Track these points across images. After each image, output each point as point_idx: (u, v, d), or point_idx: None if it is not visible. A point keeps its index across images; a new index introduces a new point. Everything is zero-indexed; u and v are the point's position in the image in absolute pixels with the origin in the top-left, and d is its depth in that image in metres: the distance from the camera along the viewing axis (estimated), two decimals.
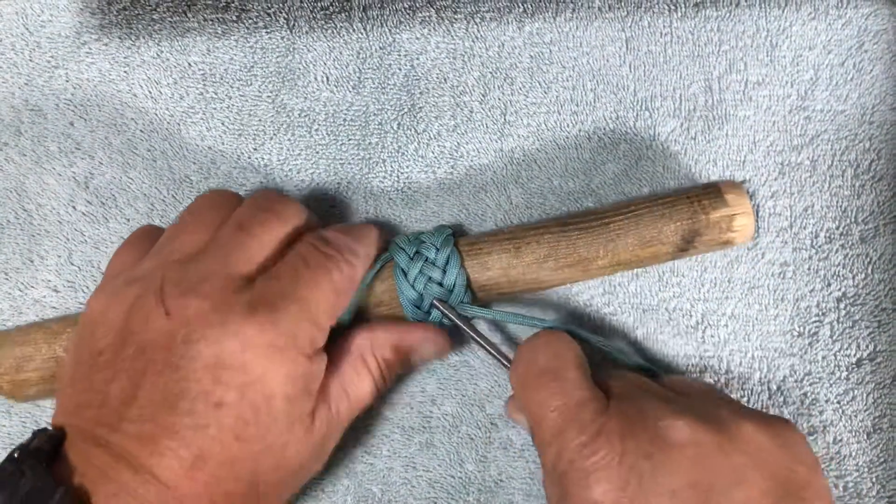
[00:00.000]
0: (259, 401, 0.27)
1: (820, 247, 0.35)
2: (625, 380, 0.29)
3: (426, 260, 0.32)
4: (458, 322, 0.32)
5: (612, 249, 0.32)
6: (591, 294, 0.35)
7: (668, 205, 0.33)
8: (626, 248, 0.32)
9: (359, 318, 0.32)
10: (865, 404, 0.34)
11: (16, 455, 0.25)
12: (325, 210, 0.36)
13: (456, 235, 0.33)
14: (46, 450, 0.25)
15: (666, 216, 0.32)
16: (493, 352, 0.32)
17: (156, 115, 0.37)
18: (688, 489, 0.24)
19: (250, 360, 0.27)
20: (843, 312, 0.35)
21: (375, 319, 0.33)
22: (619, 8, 0.36)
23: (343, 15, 0.36)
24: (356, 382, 0.31)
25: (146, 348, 0.27)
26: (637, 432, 0.26)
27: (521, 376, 0.29)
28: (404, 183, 0.36)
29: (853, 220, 0.35)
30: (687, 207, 0.32)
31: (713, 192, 0.33)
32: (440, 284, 0.32)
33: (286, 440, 0.28)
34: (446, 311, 0.32)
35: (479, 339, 0.32)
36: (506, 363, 0.31)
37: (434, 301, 0.32)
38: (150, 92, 0.37)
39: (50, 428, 0.27)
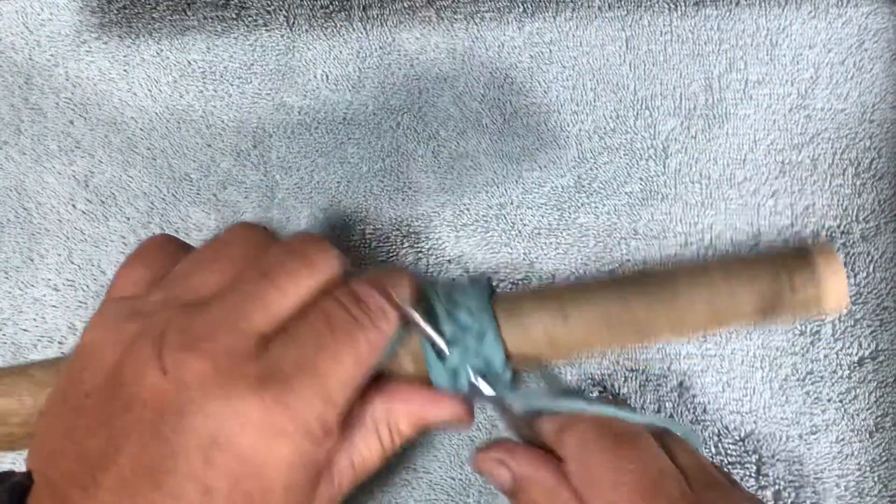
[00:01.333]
0: (254, 492, 0.23)
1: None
2: (696, 460, 0.28)
3: (458, 326, 0.27)
4: (496, 405, 0.28)
5: (677, 315, 0.28)
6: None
7: (745, 268, 0.28)
8: (694, 312, 0.28)
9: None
10: (867, 403, 0.34)
11: None
12: (325, 210, 0.36)
13: (493, 292, 0.29)
14: (14, 496, 0.23)
15: (743, 281, 0.28)
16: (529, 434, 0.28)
17: (155, 113, 0.36)
18: None
19: (252, 445, 0.23)
20: (845, 311, 0.34)
21: (395, 383, 0.28)
22: (618, 7, 0.35)
23: (343, 14, 0.36)
24: (365, 455, 0.27)
25: (135, 406, 0.23)
26: None
27: (591, 438, 0.26)
28: (404, 182, 0.36)
29: (854, 218, 0.35)
30: (770, 276, 0.28)
31: (801, 258, 0.28)
32: (475, 356, 0.27)
33: None
34: (485, 395, 0.27)
35: (517, 425, 0.28)
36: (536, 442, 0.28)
37: (471, 381, 0.27)
38: (149, 90, 0.36)
39: (19, 470, 0.24)
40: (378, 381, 0.27)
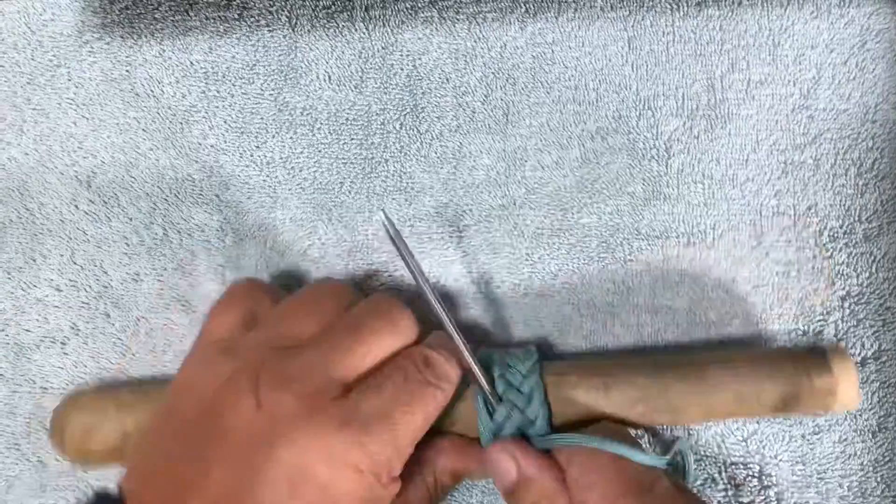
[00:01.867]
0: None
1: (824, 246, 0.35)
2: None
3: (510, 385, 0.30)
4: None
5: (706, 403, 0.31)
6: (592, 293, 0.35)
7: (770, 364, 0.31)
8: (721, 402, 0.30)
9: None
10: (870, 403, 0.34)
11: None
12: (328, 210, 0.36)
13: (542, 361, 0.32)
14: None
15: (767, 376, 0.30)
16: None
17: (158, 113, 0.36)
18: None
19: (331, 477, 0.25)
20: (848, 311, 0.34)
21: (446, 440, 0.31)
22: (621, 7, 0.35)
23: (345, 14, 0.36)
24: (413, 502, 0.30)
25: (229, 436, 0.25)
26: None
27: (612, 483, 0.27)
28: (407, 183, 0.36)
29: (857, 218, 0.34)
30: (791, 369, 0.30)
31: (819, 357, 0.31)
32: (522, 412, 0.30)
33: None
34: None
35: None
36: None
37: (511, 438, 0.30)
38: (152, 91, 0.36)
39: (114, 491, 0.26)
40: (428, 436, 0.29)
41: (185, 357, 0.30)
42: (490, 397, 0.30)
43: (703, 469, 0.34)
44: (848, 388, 0.30)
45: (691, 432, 0.34)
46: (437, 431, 0.30)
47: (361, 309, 0.30)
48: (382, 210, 0.29)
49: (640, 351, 0.34)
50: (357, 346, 0.28)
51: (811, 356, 0.31)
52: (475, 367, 0.30)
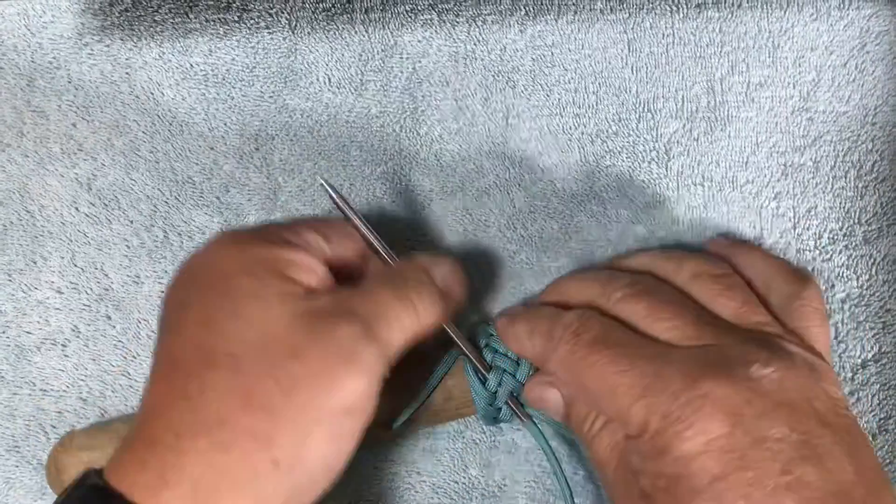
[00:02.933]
0: None
1: (823, 248, 0.34)
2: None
3: (496, 352, 0.31)
4: (527, 423, 0.31)
5: None
6: None
7: None
8: None
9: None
10: (871, 405, 0.34)
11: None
12: (328, 212, 0.35)
13: None
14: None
15: None
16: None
17: (158, 116, 0.36)
18: (791, 435, 0.23)
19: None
20: (848, 314, 0.34)
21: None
22: (621, 10, 0.35)
23: (345, 17, 0.36)
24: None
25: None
26: (731, 379, 0.24)
27: (566, 354, 0.28)
28: (406, 185, 0.35)
29: (856, 221, 0.34)
30: None
31: None
32: (513, 376, 0.31)
33: None
34: (519, 413, 0.31)
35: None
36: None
37: (508, 401, 0.31)
38: (152, 93, 0.36)
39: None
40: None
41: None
42: (479, 367, 0.31)
43: None
44: None
45: None
46: (439, 412, 0.31)
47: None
48: (321, 177, 0.30)
49: None
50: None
51: None
52: (462, 342, 0.30)
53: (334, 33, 0.36)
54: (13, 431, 0.35)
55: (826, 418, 0.24)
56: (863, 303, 0.34)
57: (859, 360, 0.34)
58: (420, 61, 0.35)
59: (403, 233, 0.35)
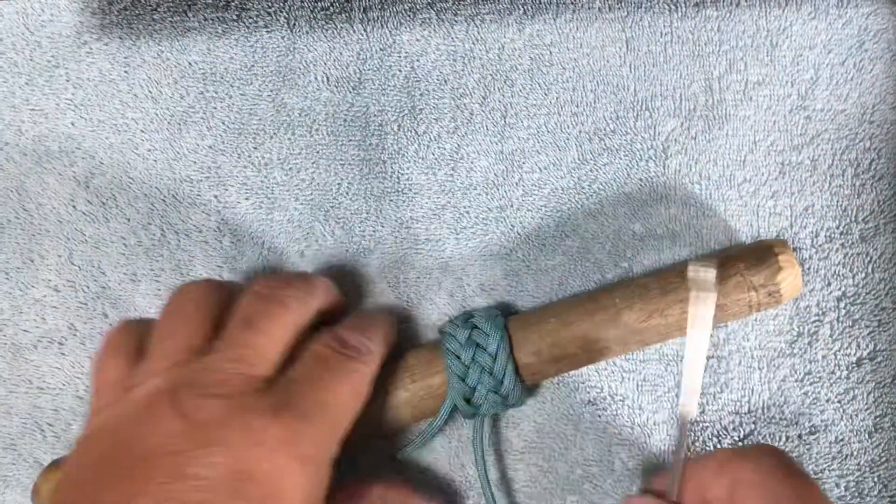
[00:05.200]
0: None
1: (820, 246, 0.33)
2: None
3: (477, 344, 0.29)
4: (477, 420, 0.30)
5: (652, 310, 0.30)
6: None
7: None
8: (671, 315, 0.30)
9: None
10: (866, 403, 0.32)
11: None
12: (326, 211, 0.34)
13: (506, 316, 0.31)
14: None
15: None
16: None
17: (156, 114, 0.34)
18: None
19: (274, 470, 0.23)
20: (844, 312, 0.33)
21: (392, 479, 0.30)
22: (619, 8, 0.33)
23: (343, 16, 0.34)
24: None
25: (156, 454, 0.22)
26: None
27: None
28: (404, 184, 0.34)
29: (853, 219, 0.33)
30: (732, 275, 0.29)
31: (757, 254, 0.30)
32: (490, 374, 0.29)
33: None
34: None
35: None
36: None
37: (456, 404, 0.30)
38: (150, 91, 0.34)
39: None
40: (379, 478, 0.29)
41: (87, 419, 0.26)
42: (460, 362, 0.29)
43: None
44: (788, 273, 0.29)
45: (689, 432, 0.32)
46: (412, 407, 0.30)
47: (247, 300, 0.27)
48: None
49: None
50: (257, 337, 0.26)
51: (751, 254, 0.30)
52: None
53: (332, 32, 0.34)
54: (9, 429, 0.33)
55: None
56: (858, 301, 0.33)
57: (854, 359, 0.32)
58: (418, 60, 0.34)
59: (399, 231, 0.34)
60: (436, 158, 0.34)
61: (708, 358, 0.32)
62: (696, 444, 0.32)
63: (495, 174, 0.34)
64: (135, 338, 0.27)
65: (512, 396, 0.30)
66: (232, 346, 0.25)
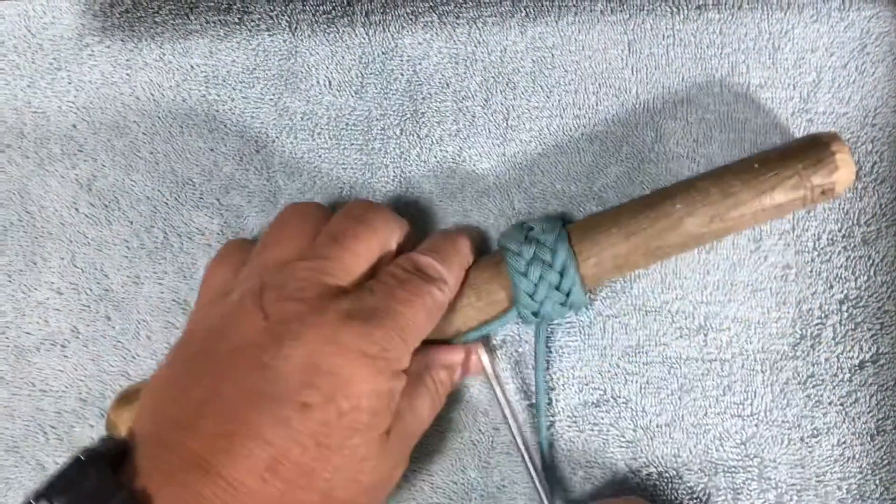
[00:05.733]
0: (346, 408, 0.24)
1: (822, 249, 0.32)
2: None
3: (543, 263, 0.29)
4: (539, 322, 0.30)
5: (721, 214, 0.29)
6: (592, 297, 0.33)
7: (771, 169, 0.29)
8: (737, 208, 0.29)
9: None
10: (869, 406, 0.32)
11: (81, 458, 0.22)
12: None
13: (566, 222, 0.31)
14: (112, 454, 0.23)
15: (769, 182, 0.29)
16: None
17: (158, 117, 0.34)
18: None
19: (343, 365, 0.24)
20: (846, 315, 0.32)
21: (428, 345, 0.30)
22: (621, 11, 0.33)
23: (345, 19, 0.34)
24: (419, 403, 0.29)
25: (238, 348, 0.24)
26: None
27: None
28: (406, 188, 0.33)
29: (855, 222, 0.32)
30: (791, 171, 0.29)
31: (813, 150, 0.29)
32: (557, 288, 0.29)
33: (364, 454, 0.25)
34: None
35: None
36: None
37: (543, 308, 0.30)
38: (152, 94, 0.34)
39: (103, 447, 0.24)
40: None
41: (190, 312, 0.29)
42: (528, 280, 0.29)
43: (703, 472, 0.32)
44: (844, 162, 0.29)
45: (691, 434, 0.32)
46: (477, 323, 0.30)
47: (338, 219, 0.29)
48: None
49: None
50: (342, 252, 0.27)
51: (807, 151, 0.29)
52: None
53: (335, 36, 0.34)
54: (12, 432, 0.33)
55: None
56: (861, 304, 0.32)
57: (857, 361, 0.32)
58: (420, 63, 0.34)
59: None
60: (438, 162, 0.34)
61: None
62: (699, 446, 0.32)
63: (497, 177, 0.33)
64: (241, 252, 0.30)
65: (577, 305, 0.30)
66: (316, 256, 0.27)
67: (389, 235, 0.29)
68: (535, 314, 0.30)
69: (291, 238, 0.28)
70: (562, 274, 0.29)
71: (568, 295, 0.30)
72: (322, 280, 0.26)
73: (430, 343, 0.30)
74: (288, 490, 0.23)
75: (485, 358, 0.31)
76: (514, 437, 0.31)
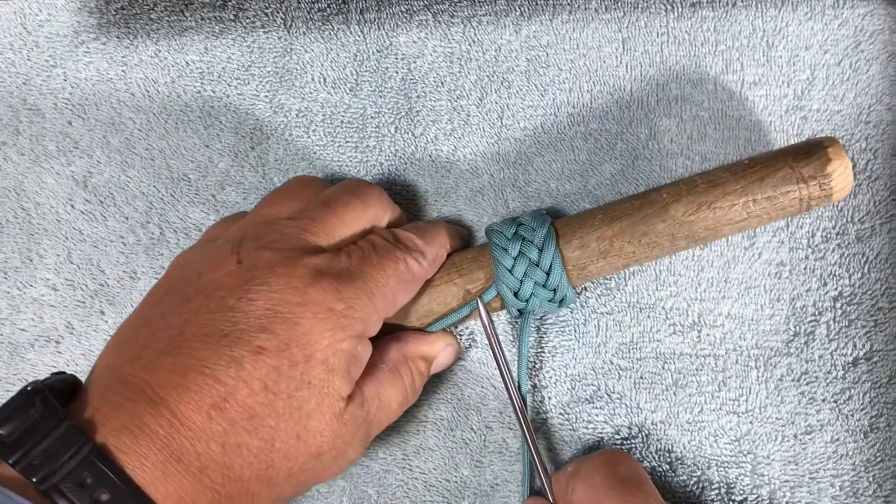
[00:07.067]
0: (299, 358, 0.24)
1: (816, 246, 0.32)
2: None
3: (524, 239, 0.29)
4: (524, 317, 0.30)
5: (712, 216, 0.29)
6: (587, 294, 0.32)
7: (764, 169, 0.28)
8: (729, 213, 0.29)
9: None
10: (862, 403, 0.31)
11: (28, 388, 0.22)
12: None
13: (552, 216, 0.31)
14: (62, 388, 0.23)
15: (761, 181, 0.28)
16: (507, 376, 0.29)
17: (153, 113, 0.33)
18: None
19: (304, 316, 0.24)
20: (840, 312, 0.32)
21: (406, 332, 0.30)
22: (615, 9, 0.32)
23: (340, 17, 0.33)
24: (389, 390, 0.28)
25: (207, 288, 0.25)
26: None
27: (599, 484, 0.27)
28: (401, 186, 0.33)
29: (849, 219, 0.32)
30: (785, 171, 0.28)
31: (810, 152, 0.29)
32: (536, 265, 0.29)
33: (312, 410, 0.25)
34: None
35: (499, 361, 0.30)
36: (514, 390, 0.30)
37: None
38: (147, 91, 0.33)
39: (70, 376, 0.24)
40: (393, 334, 0.30)
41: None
42: (507, 254, 0.29)
43: (697, 468, 0.31)
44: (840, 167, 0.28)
45: (685, 431, 0.31)
46: (458, 301, 0.30)
47: (334, 188, 0.29)
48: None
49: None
50: (328, 215, 0.27)
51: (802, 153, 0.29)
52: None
53: (330, 33, 0.33)
54: None
55: None
56: (854, 301, 0.32)
57: (851, 358, 0.31)
58: (415, 62, 0.33)
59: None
60: (433, 160, 0.33)
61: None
62: (693, 443, 0.31)
63: (491, 175, 0.33)
64: (244, 214, 0.30)
65: (560, 290, 0.29)
66: (303, 217, 0.27)
67: (380, 213, 0.29)
68: (517, 296, 0.29)
69: (286, 201, 0.28)
70: (541, 250, 0.29)
71: (548, 274, 0.29)
72: (302, 237, 0.26)
73: (408, 332, 0.30)
74: (231, 430, 0.23)
75: (483, 313, 0.30)
76: (509, 391, 0.30)
